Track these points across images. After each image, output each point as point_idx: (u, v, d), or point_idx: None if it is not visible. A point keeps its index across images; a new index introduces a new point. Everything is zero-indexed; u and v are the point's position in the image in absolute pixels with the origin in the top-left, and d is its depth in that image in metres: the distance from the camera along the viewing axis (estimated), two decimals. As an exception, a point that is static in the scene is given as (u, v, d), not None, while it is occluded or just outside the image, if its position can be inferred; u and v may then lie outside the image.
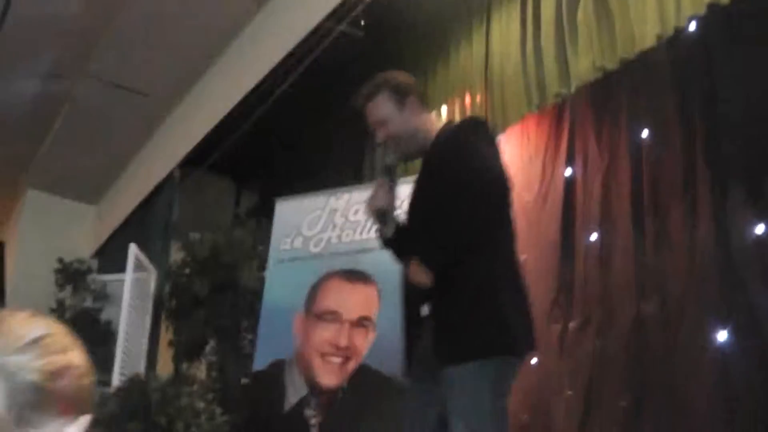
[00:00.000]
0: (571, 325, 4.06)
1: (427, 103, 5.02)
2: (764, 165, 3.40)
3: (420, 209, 2.70)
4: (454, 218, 2.47)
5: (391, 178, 2.73)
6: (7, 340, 1.18)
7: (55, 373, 1.20)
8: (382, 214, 2.73)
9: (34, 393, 1.17)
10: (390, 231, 2.76)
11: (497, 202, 2.52)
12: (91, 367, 1.25)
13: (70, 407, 1.21)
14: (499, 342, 2.43)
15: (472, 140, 2.60)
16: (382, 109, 2.74)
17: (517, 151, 4.69)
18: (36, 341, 1.20)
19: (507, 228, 2.63)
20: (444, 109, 5.17)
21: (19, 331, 1.20)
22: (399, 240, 2.75)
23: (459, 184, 2.47)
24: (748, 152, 3.45)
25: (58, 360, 1.21)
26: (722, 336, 3.37)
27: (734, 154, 3.51)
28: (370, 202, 2.73)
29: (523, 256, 2.92)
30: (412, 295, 2.64)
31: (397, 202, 2.82)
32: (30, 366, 1.17)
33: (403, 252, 2.71)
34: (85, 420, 1.24)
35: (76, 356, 1.24)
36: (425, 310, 2.57)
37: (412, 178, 2.95)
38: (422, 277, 2.50)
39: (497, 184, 2.49)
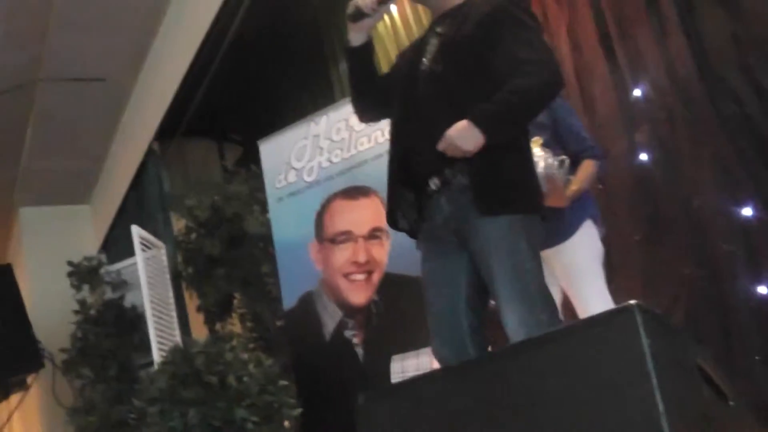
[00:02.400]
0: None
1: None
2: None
3: (480, 70, 2.54)
4: (538, 93, 2.50)
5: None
6: None
7: None
8: (358, 14, 2.61)
9: None
10: (357, 40, 2.69)
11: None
12: None
13: None
14: (535, 200, 2.56)
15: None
16: None
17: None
18: None
19: None
20: None
21: None
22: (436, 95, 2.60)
23: (543, 60, 2.49)
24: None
25: None
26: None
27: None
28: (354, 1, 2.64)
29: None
30: (419, 166, 2.58)
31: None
32: None
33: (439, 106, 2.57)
34: None
35: None
36: (434, 183, 2.54)
37: None
38: (472, 140, 2.41)
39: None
